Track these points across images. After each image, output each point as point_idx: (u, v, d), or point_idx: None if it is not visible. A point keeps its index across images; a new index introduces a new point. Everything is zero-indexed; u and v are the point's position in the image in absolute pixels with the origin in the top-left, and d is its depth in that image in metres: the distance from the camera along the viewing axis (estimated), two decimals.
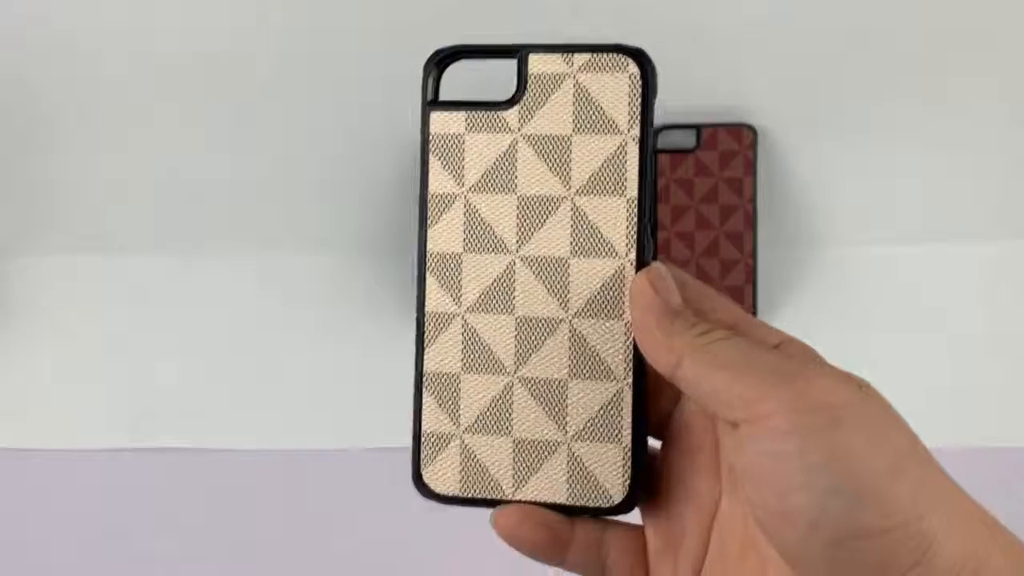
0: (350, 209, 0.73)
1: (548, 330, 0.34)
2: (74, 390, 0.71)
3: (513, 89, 0.34)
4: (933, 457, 0.29)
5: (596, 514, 0.34)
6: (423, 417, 0.35)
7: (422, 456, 0.35)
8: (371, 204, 0.73)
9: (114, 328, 0.72)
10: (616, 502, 0.33)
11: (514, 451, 0.35)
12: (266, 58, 0.70)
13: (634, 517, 0.35)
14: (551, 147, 0.33)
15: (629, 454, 0.33)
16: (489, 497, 0.35)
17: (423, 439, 0.35)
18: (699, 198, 0.72)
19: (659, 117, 0.72)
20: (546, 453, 0.34)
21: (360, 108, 0.71)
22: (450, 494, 0.35)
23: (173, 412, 0.70)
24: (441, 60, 0.35)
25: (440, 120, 0.34)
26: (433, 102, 0.34)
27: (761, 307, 0.72)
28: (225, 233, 0.73)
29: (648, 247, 0.33)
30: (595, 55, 0.33)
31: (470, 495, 0.35)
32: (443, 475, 0.35)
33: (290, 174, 0.73)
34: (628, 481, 0.33)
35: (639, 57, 0.33)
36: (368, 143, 0.72)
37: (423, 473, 0.35)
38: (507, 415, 0.34)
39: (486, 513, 0.35)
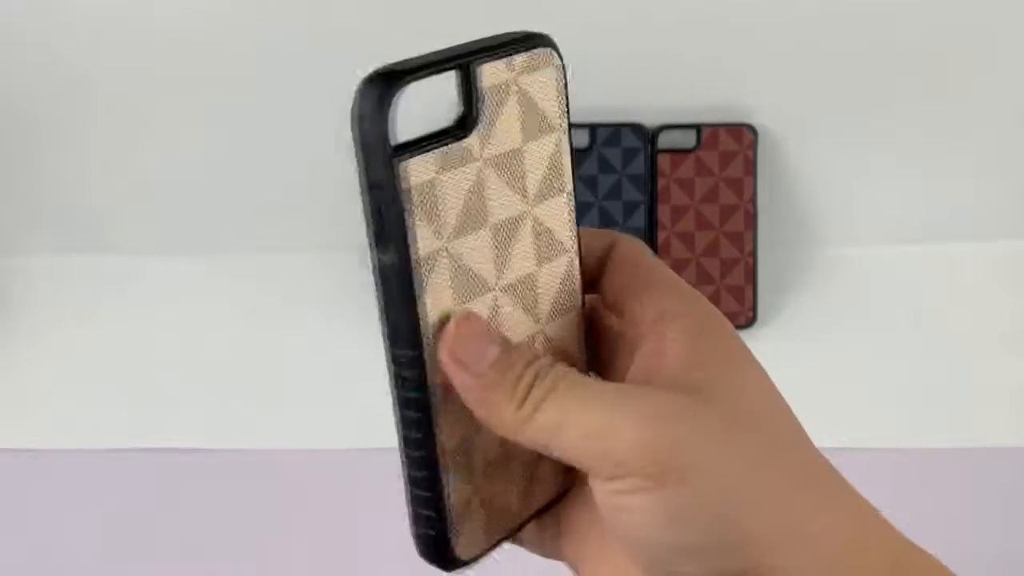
0: (352, 209, 0.73)
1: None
2: (74, 390, 0.70)
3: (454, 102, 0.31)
4: (807, 452, 0.28)
5: None
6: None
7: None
8: None
9: (114, 328, 0.72)
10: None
11: None
12: (267, 58, 0.70)
13: None
14: (509, 164, 0.31)
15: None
16: None
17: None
18: (699, 198, 0.72)
19: (660, 117, 0.73)
20: None
21: None
22: None
23: (173, 412, 0.70)
24: (391, 92, 0.28)
25: (415, 169, 0.28)
26: (399, 147, 0.28)
27: (761, 307, 0.72)
28: (226, 233, 0.73)
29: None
30: (530, 54, 0.31)
31: None
32: None
33: (291, 174, 0.73)
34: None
35: (555, 45, 0.31)
36: None
37: None
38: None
39: None
